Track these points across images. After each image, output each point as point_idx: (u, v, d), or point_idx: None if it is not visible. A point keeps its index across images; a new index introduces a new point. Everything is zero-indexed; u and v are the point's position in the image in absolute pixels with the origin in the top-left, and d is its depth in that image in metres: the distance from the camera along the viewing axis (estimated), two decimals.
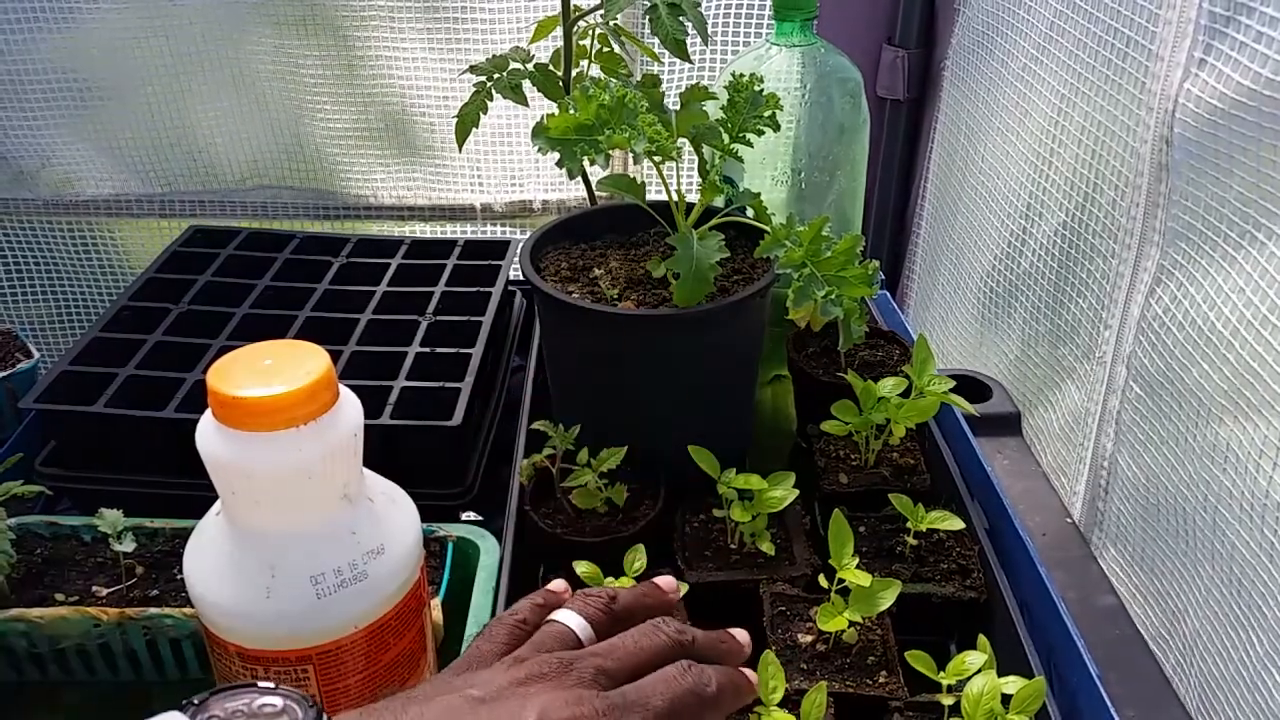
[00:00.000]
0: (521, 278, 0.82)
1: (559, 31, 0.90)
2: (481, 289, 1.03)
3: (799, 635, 0.69)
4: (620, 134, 0.72)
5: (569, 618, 0.49)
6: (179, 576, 0.75)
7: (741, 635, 0.54)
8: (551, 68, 0.92)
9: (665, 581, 0.56)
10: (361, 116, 1.36)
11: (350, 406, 0.54)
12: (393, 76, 1.33)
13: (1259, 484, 0.69)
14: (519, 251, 0.83)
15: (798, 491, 0.74)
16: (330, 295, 1.02)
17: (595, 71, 0.92)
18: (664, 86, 0.88)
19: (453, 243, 1.12)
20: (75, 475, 0.87)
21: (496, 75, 0.90)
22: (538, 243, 0.84)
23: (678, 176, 0.76)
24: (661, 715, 0.43)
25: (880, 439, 0.82)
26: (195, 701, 0.39)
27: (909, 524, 0.74)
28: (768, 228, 0.74)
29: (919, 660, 0.63)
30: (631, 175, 0.95)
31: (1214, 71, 0.74)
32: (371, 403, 0.76)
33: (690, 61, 0.91)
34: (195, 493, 0.58)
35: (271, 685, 0.39)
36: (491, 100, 0.91)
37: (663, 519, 0.77)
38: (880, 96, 1.41)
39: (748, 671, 0.52)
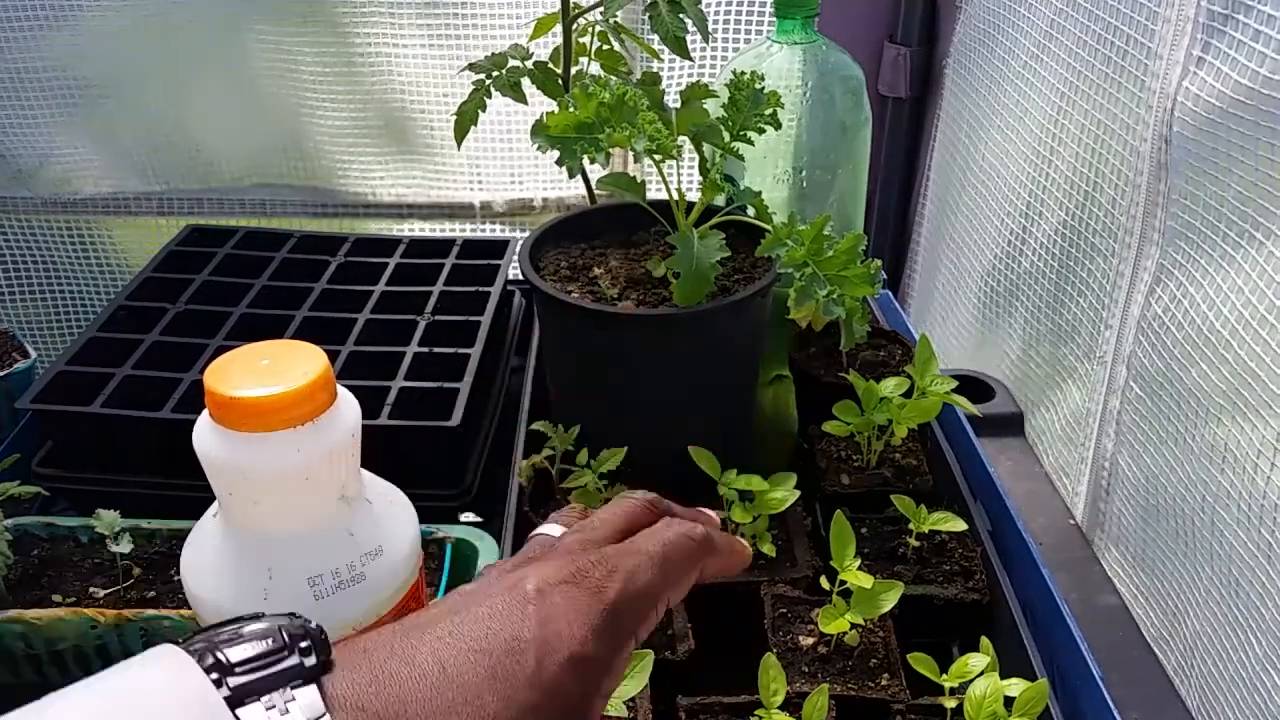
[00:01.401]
0: (521, 277, 0.82)
1: (558, 29, 0.90)
2: (480, 288, 1.03)
3: (800, 637, 0.68)
4: (620, 132, 0.72)
5: (548, 528, 0.48)
6: (176, 578, 0.75)
7: (712, 512, 0.54)
8: (551, 65, 0.92)
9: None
10: (360, 114, 1.36)
11: (348, 407, 0.53)
12: (391, 74, 1.33)
13: (1258, 484, 0.69)
14: (518, 250, 0.83)
15: (799, 492, 0.74)
16: (328, 295, 1.02)
17: (595, 69, 0.92)
18: (664, 84, 0.88)
19: (451, 242, 1.12)
20: (72, 476, 0.86)
21: (496, 73, 0.90)
22: (537, 242, 0.83)
23: (678, 175, 0.76)
24: (655, 557, 0.43)
25: (882, 439, 0.82)
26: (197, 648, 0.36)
27: (911, 525, 0.73)
28: (769, 227, 0.74)
29: (921, 663, 0.63)
30: (631, 174, 0.94)
31: (1213, 70, 0.74)
32: (370, 403, 0.76)
33: (691, 59, 0.91)
34: (192, 493, 0.58)
35: (265, 624, 0.37)
36: (490, 98, 0.90)
37: None
38: (882, 94, 1.41)
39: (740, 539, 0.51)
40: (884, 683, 0.65)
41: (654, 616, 0.42)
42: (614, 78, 0.81)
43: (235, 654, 0.34)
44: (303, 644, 0.35)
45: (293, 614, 0.37)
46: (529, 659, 0.37)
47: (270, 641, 0.35)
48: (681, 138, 0.76)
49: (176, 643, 0.35)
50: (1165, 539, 0.82)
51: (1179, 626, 0.80)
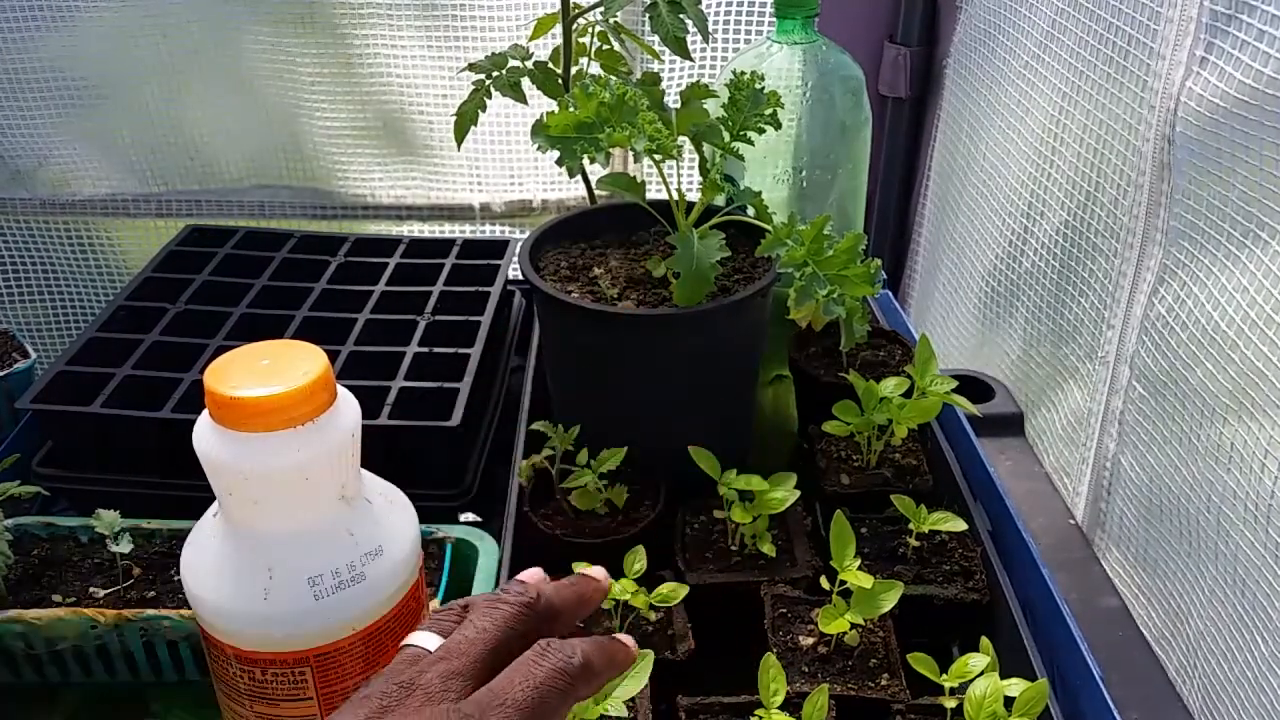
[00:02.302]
0: (521, 277, 0.81)
1: (558, 29, 0.90)
2: (480, 288, 1.02)
3: (800, 637, 0.68)
4: (620, 132, 0.71)
5: (420, 637, 0.44)
6: (176, 578, 0.75)
7: (596, 571, 0.50)
8: (551, 65, 0.91)
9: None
10: (359, 115, 1.36)
11: (348, 407, 0.53)
12: (391, 74, 1.33)
13: (1264, 484, 0.69)
14: (518, 251, 0.83)
15: (799, 492, 0.74)
16: (328, 295, 1.02)
17: (595, 69, 0.92)
18: (664, 84, 0.88)
19: (451, 242, 1.12)
20: (72, 476, 0.86)
21: (495, 73, 0.90)
22: (537, 242, 0.83)
23: (678, 175, 0.76)
24: (527, 707, 0.40)
25: (882, 439, 0.82)
26: None
27: (911, 525, 0.73)
28: (769, 226, 0.73)
29: (921, 663, 0.63)
30: (631, 174, 0.94)
31: (1216, 70, 0.74)
32: (369, 403, 0.76)
33: (691, 59, 0.91)
34: (192, 493, 0.58)
35: None
36: (490, 98, 0.90)
37: (663, 520, 0.76)
38: (882, 94, 1.41)
39: (622, 637, 0.48)
40: (884, 683, 0.65)
41: None
42: (614, 78, 0.80)
43: None
44: None
45: None
46: None
47: None
48: (681, 138, 0.76)
49: None
50: (1168, 539, 0.82)
51: (1182, 626, 0.80)
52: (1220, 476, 0.74)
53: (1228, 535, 0.73)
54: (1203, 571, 0.77)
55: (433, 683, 0.40)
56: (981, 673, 0.61)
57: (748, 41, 1.30)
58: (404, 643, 0.44)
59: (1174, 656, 0.81)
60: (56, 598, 0.73)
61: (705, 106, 0.80)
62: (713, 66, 1.32)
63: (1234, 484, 0.72)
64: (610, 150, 0.73)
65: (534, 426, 0.78)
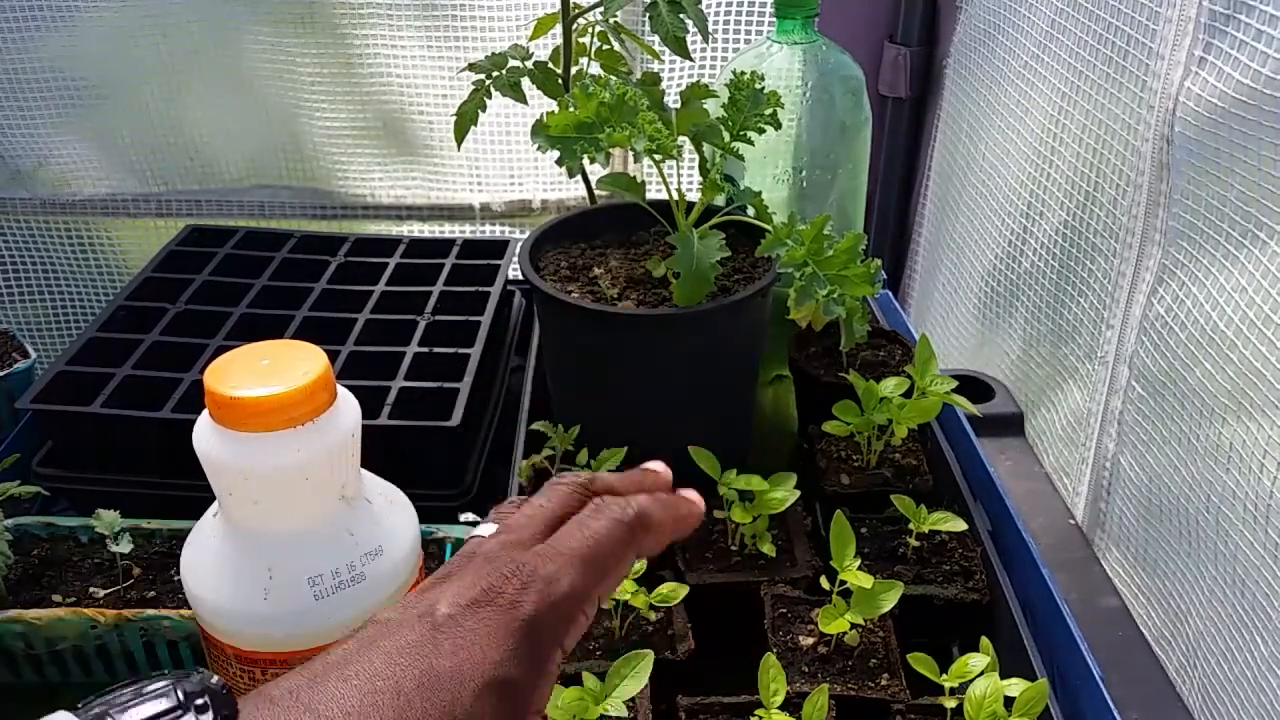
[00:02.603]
0: (521, 277, 0.81)
1: (558, 29, 0.90)
2: (480, 288, 1.02)
3: (800, 637, 0.68)
4: (620, 132, 0.71)
5: (484, 527, 0.44)
6: (176, 578, 0.75)
7: (657, 465, 0.49)
8: (551, 65, 0.91)
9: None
10: (359, 115, 1.36)
11: (348, 407, 0.53)
12: (391, 74, 1.33)
13: (1264, 485, 0.69)
14: (518, 251, 0.83)
15: (799, 493, 0.74)
16: (328, 295, 1.02)
17: (595, 69, 0.92)
18: (664, 84, 0.88)
19: (451, 242, 1.12)
20: (72, 476, 0.86)
21: (495, 73, 0.90)
22: (537, 242, 0.83)
23: (678, 175, 0.76)
24: (577, 556, 0.40)
25: (882, 440, 0.82)
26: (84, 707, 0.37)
27: (911, 525, 0.73)
28: (769, 226, 0.74)
29: (921, 663, 0.63)
30: (631, 174, 0.94)
31: (1215, 70, 0.74)
32: (369, 403, 0.76)
33: (691, 59, 0.91)
34: (192, 493, 0.58)
35: (165, 683, 0.37)
36: (490, 98, 0.90)
37: None
38: (882, 94, 1.41)
39: (687, 493, 0.47)
40: (884, 683, 0.65)
41: (583, 620, 0.40)
42: (614, 78, 0.80)
43: (129, 717, 0.34)
44: (198, 701, 0.34)
45: (198, 669, 0.37)
46: (443, 692, 0.35)
47: (165, 701, 0.35)
48: (681, 138, 0.76)
49: (74, 710, 0.35)
50: (1168, 539, 0.82)
51: (1182, 626, 0.80)
52: (1220, 476, 0.74)
53: (1227, 535, 0.73)
54: (1202, 571, 0.77)
55: (493, 549, 0.41)
56: (981, 673, 0.61)
57: (748, 41, 1.30)
58: (471, 533, 0.44)
59: (1174, 656, 0.81)
60: (56, 598, 0.73)
61: (705, 106, 0.80)
62: (713, 66, 1.32)
63: (1233, 484, 0.72)
64: (610, 150, 0.73)
65: (534, 426, 0.78)
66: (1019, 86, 1.09)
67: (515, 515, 0.43)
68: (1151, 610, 0.85)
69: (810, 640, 0.68)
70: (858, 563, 0.67)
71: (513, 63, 0.90)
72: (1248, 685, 0.71)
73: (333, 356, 0.85)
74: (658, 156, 0.73)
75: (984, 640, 0.63)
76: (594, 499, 0.44)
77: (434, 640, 0.37)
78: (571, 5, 0.88)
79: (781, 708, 0.59)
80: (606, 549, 0.41)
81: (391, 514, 0.57)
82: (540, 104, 0.90)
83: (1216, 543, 0.74)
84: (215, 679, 0.36)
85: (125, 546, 0.74)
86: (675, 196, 0.77)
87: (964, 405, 0.80)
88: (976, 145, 1.22)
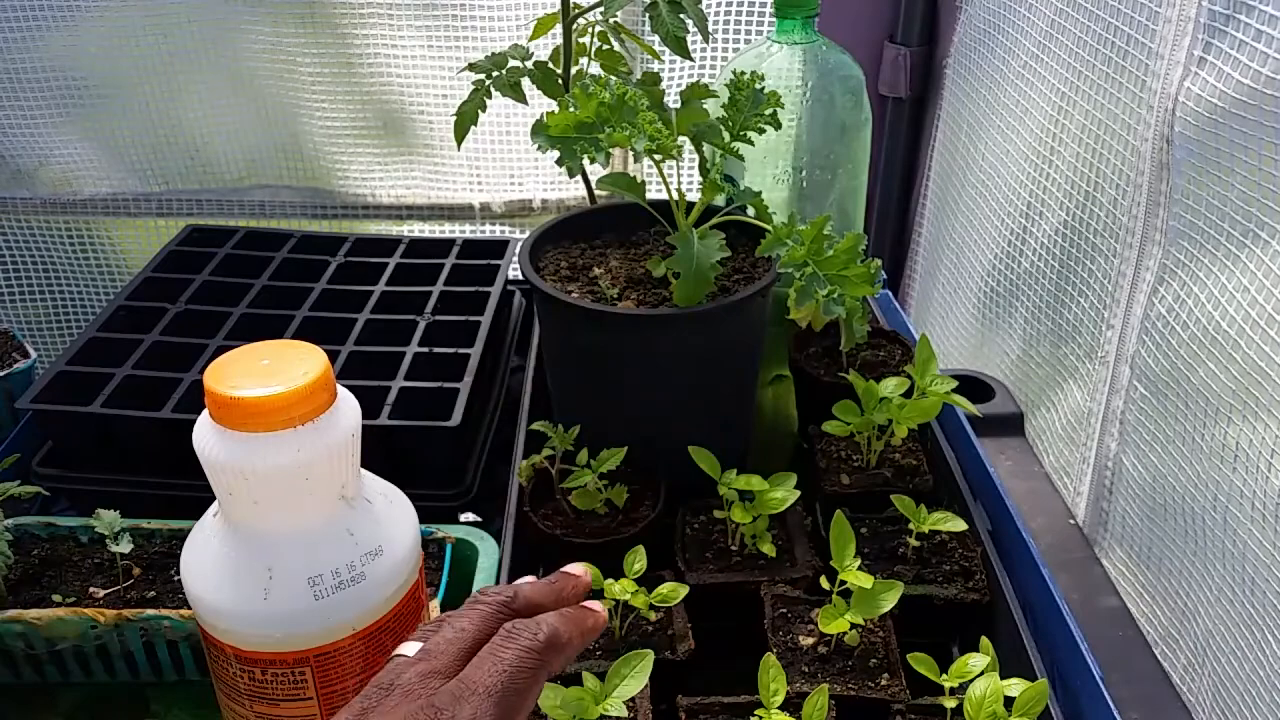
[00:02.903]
0: (521, 277, 0.81)
1: (558, 29, 0.90)
2: (480, 288, 1.02)
3: (800, 637, 0.68)
4: (620, 132, 0.71)
5: (406, 647, 0.45)
6: (176, 578, 0.75)
7: (575, 568, 0.51)
8: (551, 65, 0.91)
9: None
10: (359, 115, 1.36)
11: (348, 407, 0.53)
12: (391, 74, 1.33)
13: (1272, 484, 0.69)
14: (518, 251, 0.83)
15: (799, 492, 0.74)
16: (328, 295, 1.02)
17: (595, 69, 0.92)
18: (664, 84, 0.88)
19: (451, 242, 1.12)
20: (72, 476, 0.86)
21: (495, 73, 0.90)
22: (537, 242, 0.83)
23: (678, 175, 0.76)
24: (497, 691, 0.41)
25: (882, 439, 0.82)
26: None
27: (911, 525, 0.73)
28: (769, 226, 0.73)
29: (921, 663, 0.63)
30: (631, 174, 0.94)
31: (1214, 70, 0.74)
32: (369, 403, 0.76)
33: (691, 59, 0.91)
34: (192, 493, 0.58)
35: None
36: (490, 98, 0.90)
37: (663, 520, 0.76)
38: (882, 94, 1.41)
39: (591, 604, 0.49)
40: (884, 683, 0.65)
41: None
42: (614, 78, 0.80)
43: None
44: None
45: None
46: None
47: None
48: (681, 138, 0.76)
49: None
50: (1173, 538, 0.82)
51: (1188, 626, 0.80)
52: (1226, 476, 0.74)
53: (1234, 534, 0.73)
54: (1209, 570, 0.77)
55: (411, 682, 0.42)
56: (981, 673, 0.61)
57: (748, 41, 1.30)
58: (394, 653, 0.45)
59: (1180, 655, 0.81)
60: (56, 598, 0.73)
61: (705, 106, 0.80)
62: (713, 66, 1.32)
63: (1240, 483, 0.72)
64: (610, 150, 0.73)
65: (534, 426, 0.78)
66: (1019, 86, 1.09)
67: (435, 638, 0.45)
68: (1156, 610, 0.85)
69: (810, 640, 0.68)
70: (858, 563, 0.67)
71: (513, 63, 0.90)
72: (1260, 683, 0.71)
73: (333, 356, 0.85)
74: (658, 156, 0.73)
75: (984, 640, 0.63)
76: (508, 622, 0.45)
77: None
78: (571, 5, 0.88)
79: (781, 708, 0.59)
80: (520, 680, 0.43)
81: (391, 514, 0.57)
82: (540, 104, 0.90)
83: (1224, 541, 0.74)
84: None
85: (125, 546, 0.74)
86: (675, 196, 0.77)
87: (964, 405, 0.80)
88: (976, 145, 1.22)
